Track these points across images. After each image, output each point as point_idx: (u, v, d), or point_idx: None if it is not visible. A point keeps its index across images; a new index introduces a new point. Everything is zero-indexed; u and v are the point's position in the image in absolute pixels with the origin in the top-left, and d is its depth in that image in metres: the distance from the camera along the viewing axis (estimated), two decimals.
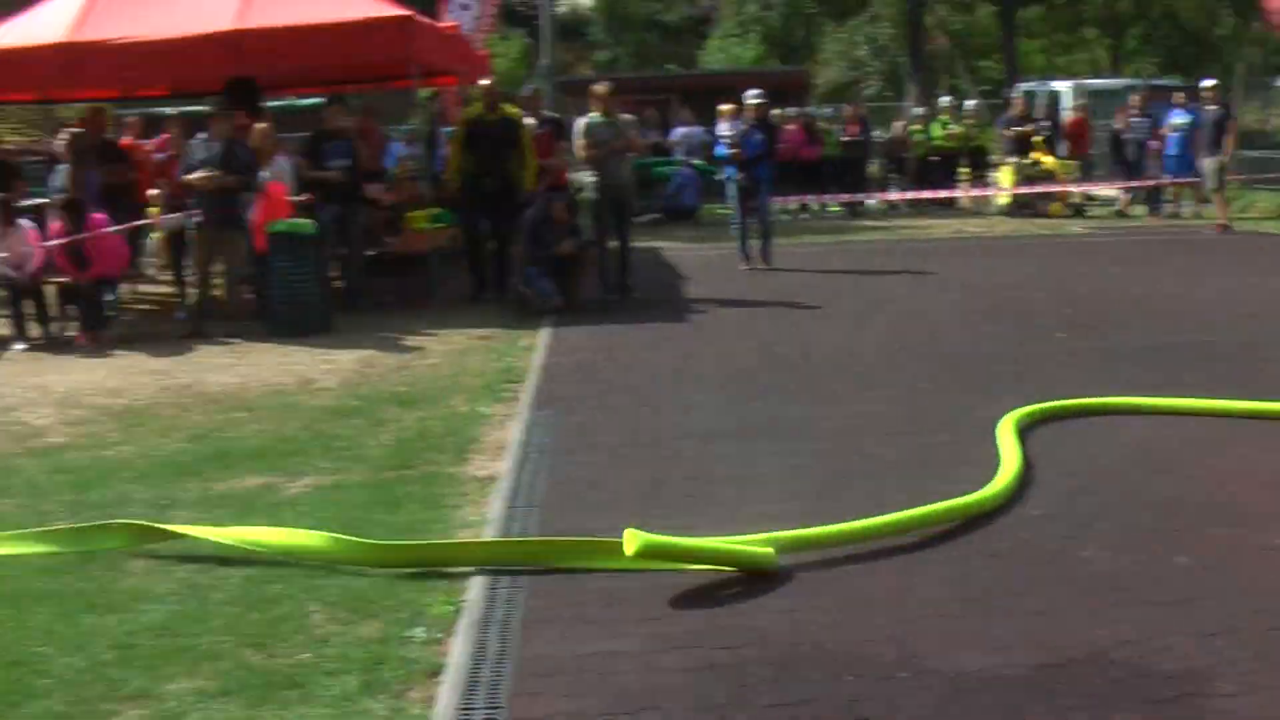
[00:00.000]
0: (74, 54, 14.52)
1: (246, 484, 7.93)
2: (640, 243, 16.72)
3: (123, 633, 5.62)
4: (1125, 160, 25.53)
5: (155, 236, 16.31)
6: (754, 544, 6.19)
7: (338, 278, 15.00)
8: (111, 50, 14.46)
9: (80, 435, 9.43)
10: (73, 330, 13.60)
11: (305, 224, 13.21)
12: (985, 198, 25.67)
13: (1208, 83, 22.85)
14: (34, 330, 13.52)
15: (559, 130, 16.45)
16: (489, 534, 6.76)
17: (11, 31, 15.37)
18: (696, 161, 25.65)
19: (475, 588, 6.00)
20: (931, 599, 5.75)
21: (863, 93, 43.51)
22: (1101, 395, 9.19)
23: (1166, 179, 23.89)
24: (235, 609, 5.84)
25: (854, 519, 6.49)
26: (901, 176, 27.53)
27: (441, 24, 18.40)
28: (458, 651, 5.34)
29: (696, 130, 26.77)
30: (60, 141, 15.09)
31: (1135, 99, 26.26)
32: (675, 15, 55.94)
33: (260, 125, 13.83)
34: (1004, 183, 25.03)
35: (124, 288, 15.62)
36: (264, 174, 13.43)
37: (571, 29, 52.73)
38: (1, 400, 10.71)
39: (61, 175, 14.42)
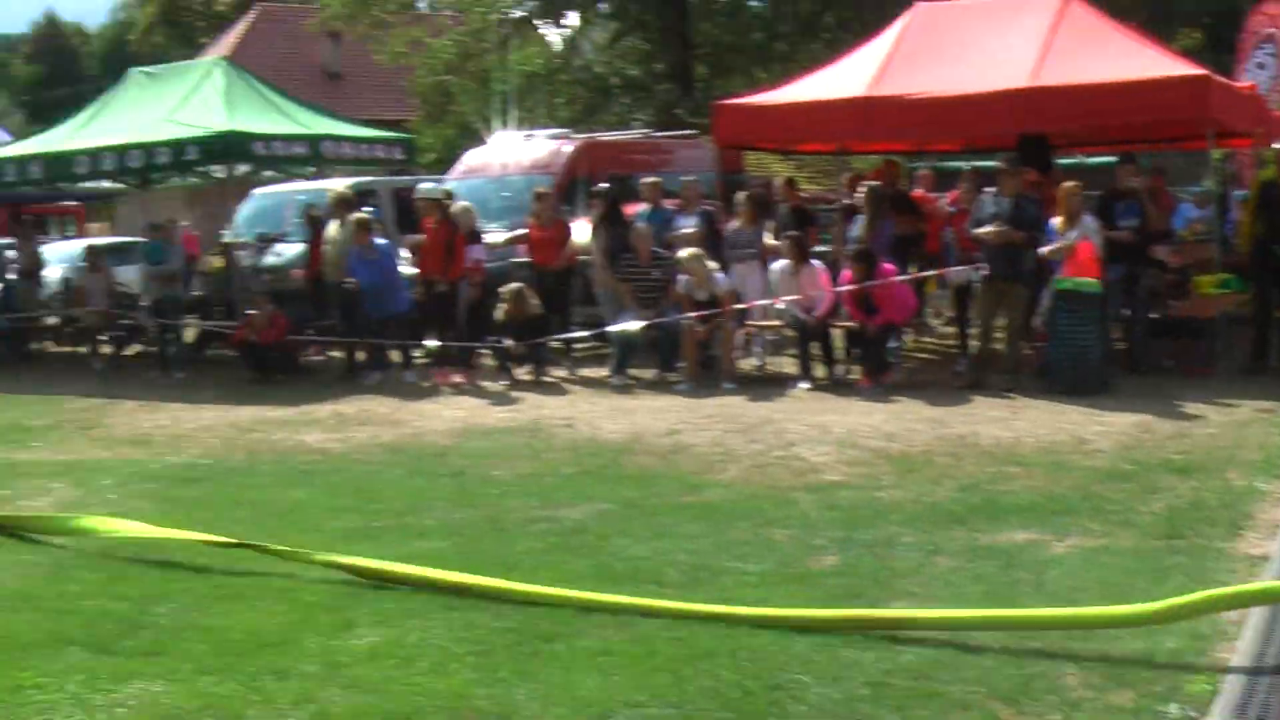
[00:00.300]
0: (871, 108, 15.16)
1: (1013, 538, 7.98)
2: None
3: (879, 670, 5.82)
4: None
5: (929, 290, 16.63)
6: None
7: (1120, 339, 14.76)
8: (907, 105, 14.94)
9: (855, 475, 9.83)
10: (855, 373, 14.16)
11: (1091, 282, 13.09)
12: None
13: None
14: (819, 371, 14.19)
15: None
16: (1253, 616, 6.42)
17: (813, 85, 16.22)
18: None
19: (1236, 672, 5.75)
20: None
21: None
22: None
23: None
24: (991, 663, 5.90)
25: None
26: None
27: (1238, 84, 17.70)
28: None
29: None
30: (859, 194, 15.69)
31: None
32: None
33: (1069, 184, 13.71)
34: None
35: (908, 336, 16.08)
36: (1073, 233, 13.34)
37: None
38: (783, 436, 11.32)
39: (859, 225, 15.00)
